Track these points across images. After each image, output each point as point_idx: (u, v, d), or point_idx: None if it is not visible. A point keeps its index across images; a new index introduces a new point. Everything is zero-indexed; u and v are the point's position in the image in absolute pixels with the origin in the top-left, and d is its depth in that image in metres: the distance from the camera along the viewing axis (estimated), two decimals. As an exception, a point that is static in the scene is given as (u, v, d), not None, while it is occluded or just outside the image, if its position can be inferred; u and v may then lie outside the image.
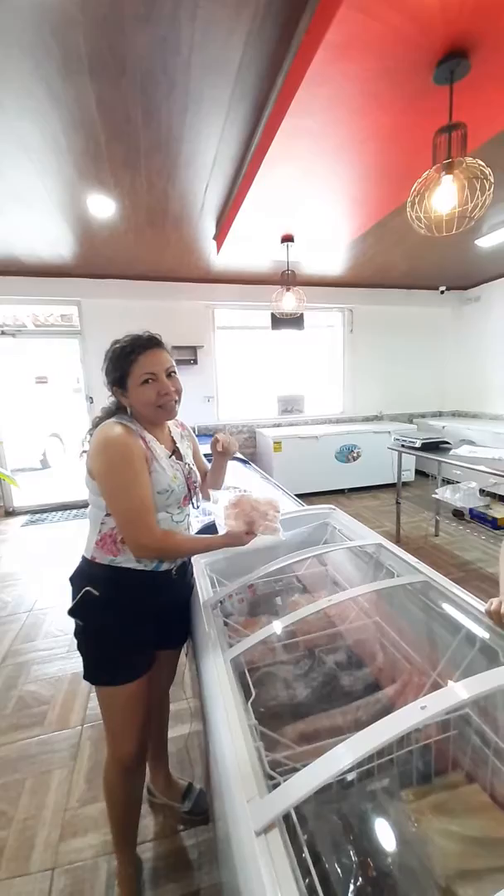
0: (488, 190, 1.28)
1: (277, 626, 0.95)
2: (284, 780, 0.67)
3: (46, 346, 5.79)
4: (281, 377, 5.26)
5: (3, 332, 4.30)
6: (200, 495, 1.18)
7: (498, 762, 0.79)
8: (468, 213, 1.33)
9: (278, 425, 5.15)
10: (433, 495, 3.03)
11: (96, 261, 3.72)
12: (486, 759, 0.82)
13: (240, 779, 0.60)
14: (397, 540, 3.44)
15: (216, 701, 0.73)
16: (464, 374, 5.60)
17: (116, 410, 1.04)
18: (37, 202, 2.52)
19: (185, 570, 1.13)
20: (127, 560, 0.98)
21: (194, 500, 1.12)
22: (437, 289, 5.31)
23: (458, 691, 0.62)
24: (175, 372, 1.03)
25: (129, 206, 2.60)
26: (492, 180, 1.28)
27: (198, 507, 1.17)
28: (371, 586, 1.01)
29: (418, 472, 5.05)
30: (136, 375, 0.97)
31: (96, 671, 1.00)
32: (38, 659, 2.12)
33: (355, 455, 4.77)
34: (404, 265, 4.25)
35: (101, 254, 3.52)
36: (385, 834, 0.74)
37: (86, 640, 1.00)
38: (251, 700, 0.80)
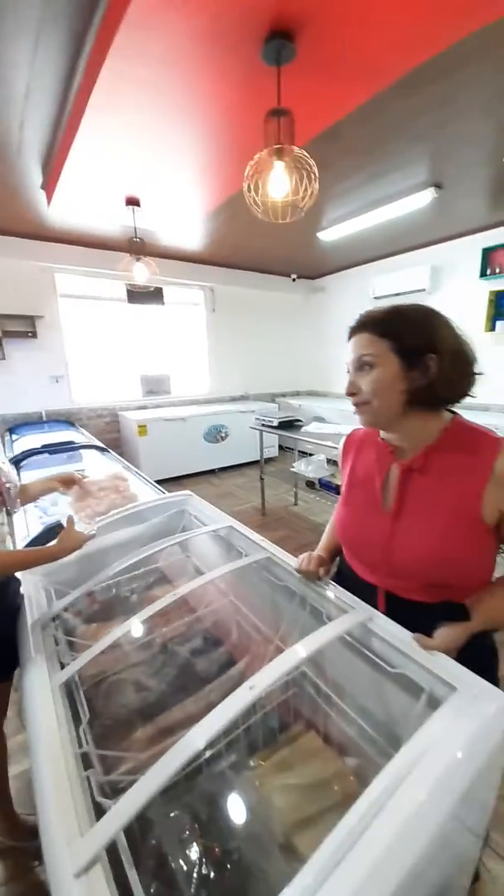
0: (313, 182, 1.35)
1: (121, 630, 0.88)
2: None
3: None
4: (145, 356, 4.96)
5: None
6: (18, 501, 1.00)
7: (328, 707, 0.89)
8: (296, 203, 1.39)
9: (144, 408, 4.90)
10: (291, 469, 3.30)
11: None
12: (318, 706, 0.92)
13: (61, 821, 0.53)
14: (263, 513, 3.68)
15: (37, 738, 0.63)
16: (315, 356, 6.20)
17: None
18: None
19: (4, 593, 0.95)
20: None
21: (9, 505, 0.94)
22: (290, 276, 5.67)
23: (282, 664, 0.66)
24: None
25: None
26: (316, 173, 1.36)
27: (14, 512, 0.99)
28: (219, 570, 1.01)
29: (281, 448, 5.46)
30: None
31: None
32: None
33: (223, 435, 4.87)
34: (258, 248, 4.38)
35: None
36: (233, 810, 0.76)
37: None
38: (86, 721, 0.72)
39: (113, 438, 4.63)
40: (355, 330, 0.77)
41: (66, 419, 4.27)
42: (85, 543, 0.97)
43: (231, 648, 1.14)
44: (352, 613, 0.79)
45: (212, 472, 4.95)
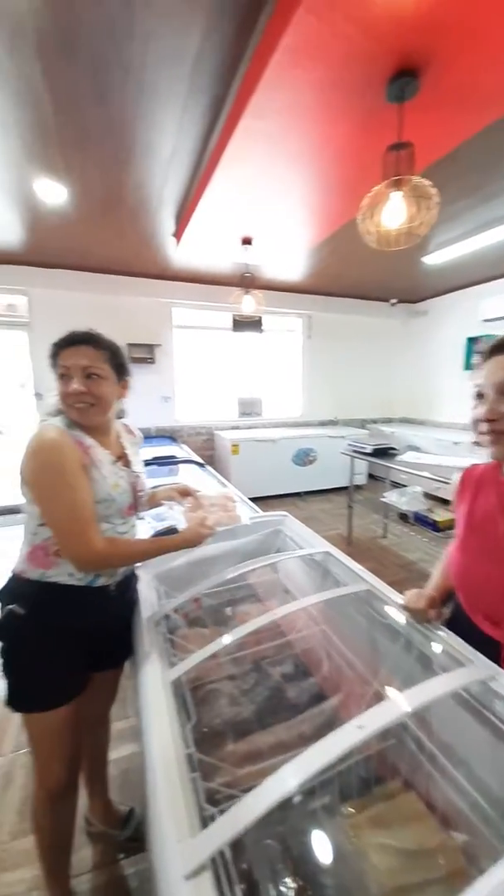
0: (431, 209, 1.33)
1: (222, 642, 0.92)
2: (221, 810, 0.64)
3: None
4: (242, 379, 5.24)
5: None
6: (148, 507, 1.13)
7: (432, 769, 0.81)
8: (413, 230, 1.37)
9: (237, 428, 5.13)
10: (381, 499, 3.14)
11: (47, 249, 3.50)
12: (421, 765, 0.84)
13: (171, 818, 0.56)
14: (349, 542, 3.54)
15: (151, 731, 0.69)
16: (412, 382, 5.88)
17: (60, 410, 0.97)
18: (-24, 182, 2.32)
19: (127, 586, 1.07)
20: (58, 574, 0.91)
21: (139, 510, 1.06)
22: (389, 301, 5.54)
23: (393, 708, 0.62)
24: (97, 374, 0.94)
25: (82, 193, 2.47)
26: (436, 200, 1.33)
27: (142, 517, 1.12)
28: (316, 597, 1.00)
29: (370, 476, 5.23)
30: (57, 369, 0.93)
31: (18, 696, 0.92)
32: (-33, 680, 1.94)
33: (311, 459, 4.85)
34: (358, 276, 4.39)
35: (52, 242, 3.32)
36: (324, 854, 0.73)
37: (8, 662, 0.92)
38: (191, 724, 0.76)
39: (208, 455, 4.91)
40: (498, 350, 0.71)
41: (170, 435, 4.68)
42: (205, 540, 1.05)
43: (321, 681, 1.11)
44: (470, 668, 0.72)
45: (297, 494, 4.93)
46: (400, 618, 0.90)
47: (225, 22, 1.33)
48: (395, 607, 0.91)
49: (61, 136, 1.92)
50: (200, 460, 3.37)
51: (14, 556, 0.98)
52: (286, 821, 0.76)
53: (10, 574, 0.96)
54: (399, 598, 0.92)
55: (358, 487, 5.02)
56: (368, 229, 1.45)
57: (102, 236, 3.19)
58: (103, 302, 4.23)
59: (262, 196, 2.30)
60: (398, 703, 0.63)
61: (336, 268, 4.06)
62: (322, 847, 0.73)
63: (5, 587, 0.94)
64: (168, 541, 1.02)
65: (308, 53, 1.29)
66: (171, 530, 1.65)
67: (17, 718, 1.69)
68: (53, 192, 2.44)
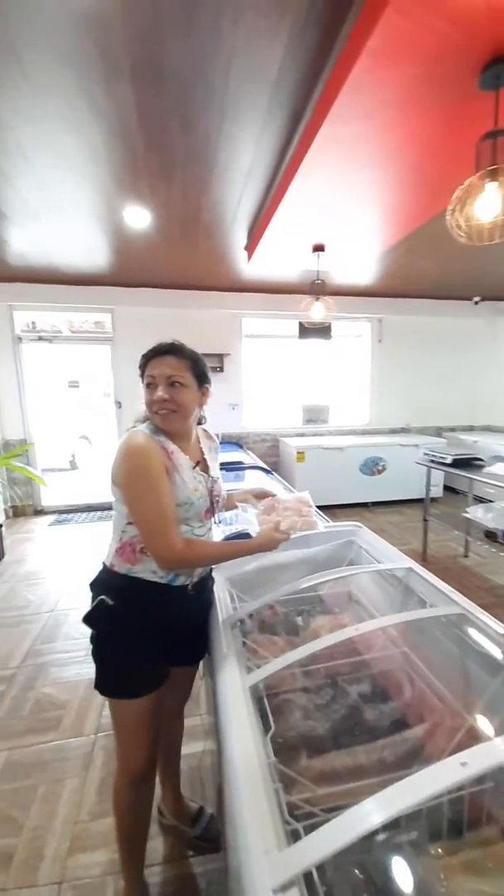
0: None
1: (300, 653, 0.90)
2: (303, 827, 0.62)
3: (79, 352, 6.02)
4: (307, 387, 5.21)
5: (40, 338, 4.47)
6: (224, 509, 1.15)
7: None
8: (513, 222, 1.26)
9: (302, 435, 5.09)
10: (463, 514, 2.89)
11: (130, 270, 3.81)
12: (526, 817, 0.74)
13: (258, 827, 0.56)
14: (423, 559, 3.31)
15: (232, 735, 0.69)
16: (498, 387, 5.38)
17: (147, 417, 1.04)
18: (75, 212, 2.60)
19: (204, 587, 1.10)
20: (144, 570, 0.97)
21: (216, 513, 1.09)
22: (471, 299, 5.15)
23: (502, 749, 0.55)
24: (179, 382, 0.99)
25: (164, 216, 2.65)
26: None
27: (219, 522, 1.14)
28: (402, 616, 0.94)
29: (447, 488, 4.86)
30: (145, 378, 1.00)
31: (106, 682, 0.99)
32: (57, 661, 2.14)
33: (380, 468, 4.64)
34: (436, 275, 4.14)
35: (134, 263, 3.61)
36: (412, 893, 0.67)
37: (98, 649, 0.99)
38: (270, 734, 0.75)
39: (272, 462, 4.93)
40: None
41: (237, 441, 4.79)
42: (279, 545, 1.05)
43: (403, 707, 1.03)
44: None
45: (364, 505, 4.74)
46: (499, 649, 0.82)
47: (308, 32, 1.34)
48: (495, 636, 0.82)
49: (148, 164, 2.07)
50: (266, 467, 3.39)
51: (104, 549, 1.06)
52: (370, 849, 0.71)
53: (102, 565, 1.03)
54: (499, 627, 0.83)
55: (433, 500, 4.70)
56: (458, 224, 1.36)
57: (179, 255, 3.39)
58: (177, 315, 4.49)
59: (337, 201, 2.27)
60: (506, 743, 0.57)
61: (411, 268, 3.88)
62: (409, 885, 0.68)
63: (97, 578, 1.02)
64: (243, 545, 1.04)
65: (394, 53, 1.25)
66: (242, 535, 1.67)
67: (98, 702, 1.83)
68: (139, 218, 2.65)
